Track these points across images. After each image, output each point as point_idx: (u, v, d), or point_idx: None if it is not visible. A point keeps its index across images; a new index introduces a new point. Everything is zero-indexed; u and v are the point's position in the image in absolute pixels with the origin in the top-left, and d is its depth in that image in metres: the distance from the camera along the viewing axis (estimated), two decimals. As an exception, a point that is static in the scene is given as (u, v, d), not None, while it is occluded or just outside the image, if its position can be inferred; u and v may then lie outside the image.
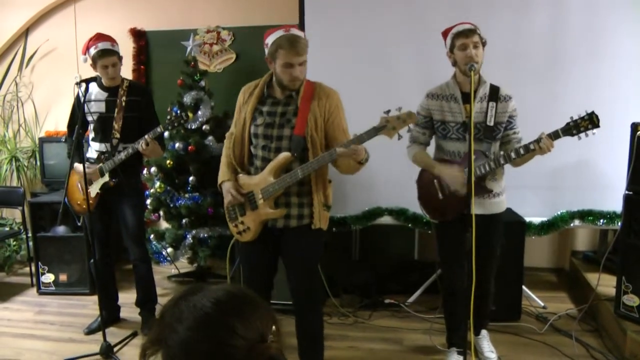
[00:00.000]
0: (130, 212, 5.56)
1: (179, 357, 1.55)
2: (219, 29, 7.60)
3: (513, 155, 4.26)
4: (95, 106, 5.42)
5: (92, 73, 5.34)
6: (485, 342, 4.97)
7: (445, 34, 4.50)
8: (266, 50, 4.14)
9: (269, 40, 4.09)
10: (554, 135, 4.13)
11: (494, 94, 4.44)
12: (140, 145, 5.13)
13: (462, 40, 4.30)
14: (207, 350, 1.52)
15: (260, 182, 4.16)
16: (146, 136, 5.13)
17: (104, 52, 5.27)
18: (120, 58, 5.40)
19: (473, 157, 4.25)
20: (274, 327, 1.58)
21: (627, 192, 5.06)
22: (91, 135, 5.54)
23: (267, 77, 4.29)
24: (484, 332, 5.03)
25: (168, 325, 1.58)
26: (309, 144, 4.09)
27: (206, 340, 1.52)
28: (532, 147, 4.17)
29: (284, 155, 4.08)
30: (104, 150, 5.39)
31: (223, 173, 4.40)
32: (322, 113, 4.13)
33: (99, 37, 5.35)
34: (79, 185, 5.37)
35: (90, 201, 5.34)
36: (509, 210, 4.74)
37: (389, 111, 3.88)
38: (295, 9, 6.62)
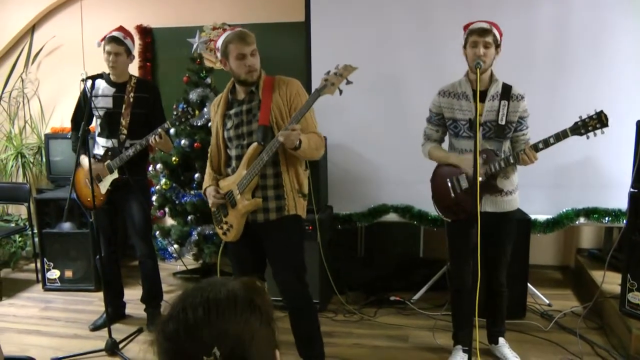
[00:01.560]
0: (137, 209, 5.57)
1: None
2: (225, 26, 7.58)
3: (511, 160, 4.30)
4: (103, 101, 5.44)
5: (99, 70, 5.35)
6: (507, 350, 4.90)
7: (465, 28, 4.50)
8: (218, 55, 4.32)
9: (219, 43, 4.27)
10: (562, 135, 4.11)
11: (507, 92, 4.43)
12: (154, 137, 5.15)
13: (475, 38, 4.31)
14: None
15: (236, 179, 4.26)
16: (159, 129, 5.15)
17: (111, 39, 5.35)
18: (128, 52, 5.42)
19: (484, 156, 4.30)
20: (216, 350, 1.46)
21: (632, 189, 5.05)
22: (97, 130, 5.55)
23: (230, 84, 4.44)
24: (501, 340, 4.97)
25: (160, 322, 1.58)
26: (276, 132, 4.14)
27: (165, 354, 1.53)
28: (540, 146, 4.18)
29: (252, 146, 4.17)
30: (111, 147, 5.40)
31: (205, 181, 4.58)
32: (284, 101, 4.23)
33: (118, 28, 5.48)
34: (88, 182, 5.38)
35: (101, 197, 5.42)
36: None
37: (329, 72, 3.95)
38: (300, 6, 6.63)
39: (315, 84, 5.92)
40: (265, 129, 4.15)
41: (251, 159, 4.17)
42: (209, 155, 4.59)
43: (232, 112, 4.34)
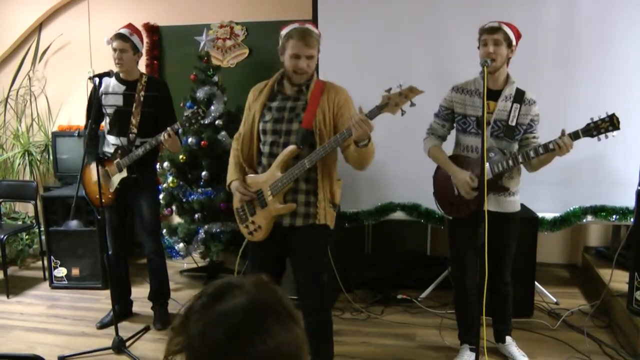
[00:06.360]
0: (146, 206, 5.59)
1: None
2: (232, 24, 7.60)
3: (532, 154, 4.24)
4: (113, 99, 5.46)
5: (106, 68, 5.33)
6: (514, 349, 4.90)
7: None
8: (280, 42, 4.20)
9: (283, 32, 4.17)
10: (574, 136, 4.10)
11: (520, 96, 4.44)
12: (163, 135, 5.13)
13: (485, 37, 4.34)
14: None
15: (269, 179, 4.16)
16: (169, 128, 5.13)
17: (117, 36, 5.37)
18: (134, 49, 5.42)
19: (492, 154, 4.29)
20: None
21: (639, 187, 5.05)
22: (106, 128, 5.57)
23: (279, 74, 4.33)
24: (509, 338, 4.96)
25: (194, 334, 1.53)
26: (317, 137, 4.07)
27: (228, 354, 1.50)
28: (551, 146, 4.15)
29: (290, 148, 4.06)
30: (121, 145, 5.41)
31: (231, 174, 4.42)
32: (330, 108, 4.13)
33: (127, 26, 5.51)
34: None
35: (110, 196, 5.44)
36: (521, 205, 4.72)
37: (390, 89, 3.80)
38: (308, 3, 6.64)
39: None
40: (307, 133, 4.07)
41: (286, 161, 4.08)
42: (236, 145, 4.44)
43: (274, 104, 4.23)
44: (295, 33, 4.07)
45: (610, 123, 4.02)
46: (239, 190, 4.28)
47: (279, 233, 4.28)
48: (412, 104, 3.77)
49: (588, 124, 4.09)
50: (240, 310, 1.53)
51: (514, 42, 4.39)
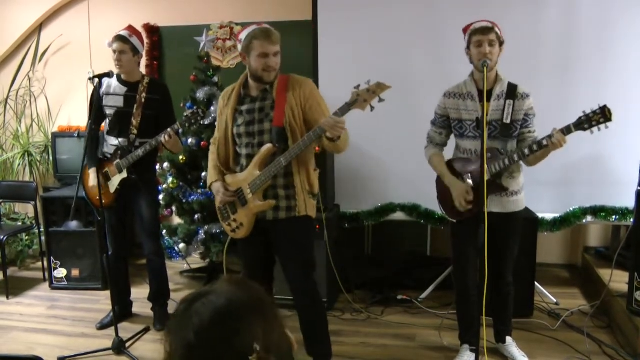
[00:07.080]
0: (146, 207, 5.58)
1: None
2: (232, 24, 7.60)
3: (527, 152, 4.23)
4: (113, 100, 5.45)
5: (106, 68, 5.33)
6: (515, 349, 4.88)
7: (465, 30, 4.48)
8: (239, 47, 4.27)
9: (243, 35, 4.22)
10: (566, 130, 4.08)
11: (512, 91, 4.41)
12: (164, 137, 5.14)
13: (478, 37, 4.31)
14: None
15: (247, 178, 4.25)
16: (169, 129, 5.14)
17: (117, 37, 5.36)
18: (134, 51, 5.40)
19: (489, 155, 4.27)
20: (256, 345, 1.57)
21: (639, 187, 5.04)
22: (106, 129, 5.56)
23: (243, 78, 4.42)
24: (509, 339, 4.95)
25: (173, 338, 1.61)
26: (289, 133, 4.16)
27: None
28: (544, 142, 4.13)
29: (266, 147, 4.15)
30: (121, 146, 5.41)
31: (211, 175, 4.54)
32: (298, 102, 4.20)
33: (127, 27, 5.50)
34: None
35: (110, 197, 5.45)
36: (522, 206, 4.73)
37: (358, 86, 3.92)
38: (308, 3, 6.64)
39: (323, 83, 5.97)
40: (280, 131, 4.14)
41: (264, 159, 4.16)
42: (213, 149, 4.57)
43: (244, 108, 4.32)
44: (259, 33, 4.14)
45: (602, 115, 4.00)
46: (221, 192, 4.38)
47: (263, 227, 4.36)
48: (381, 100, 3.88)
49: (580, 117, 4.06)
50: (210, 309, 1.60)
51: (503, 41, 4.40)
